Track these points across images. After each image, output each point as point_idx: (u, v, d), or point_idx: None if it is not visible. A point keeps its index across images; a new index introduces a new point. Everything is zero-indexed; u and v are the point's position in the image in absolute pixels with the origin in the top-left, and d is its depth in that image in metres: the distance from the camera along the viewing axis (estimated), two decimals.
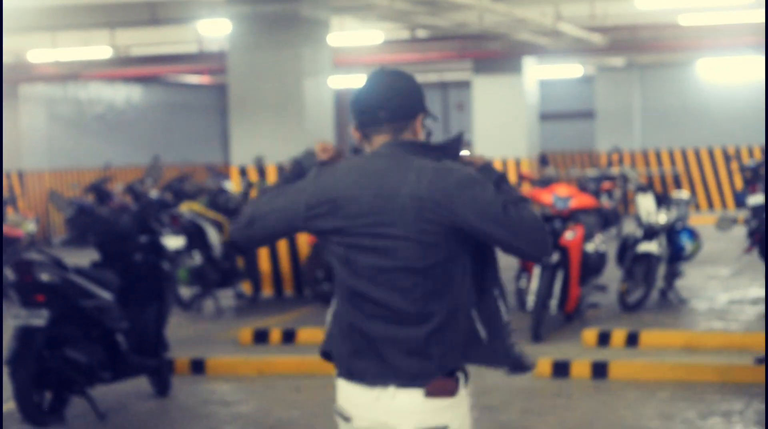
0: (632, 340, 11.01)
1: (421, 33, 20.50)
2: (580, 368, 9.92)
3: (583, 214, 12.24)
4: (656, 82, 29.19)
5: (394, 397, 3.94)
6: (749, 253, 8.69)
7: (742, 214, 16.72)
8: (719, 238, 18.49)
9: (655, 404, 8.86)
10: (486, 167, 4.09)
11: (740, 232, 16.29)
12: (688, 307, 13.29)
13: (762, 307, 11.33)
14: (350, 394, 4.05)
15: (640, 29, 20.24)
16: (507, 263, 15.71)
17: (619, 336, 11.10)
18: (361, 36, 20.41)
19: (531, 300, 11.70)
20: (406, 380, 3.93)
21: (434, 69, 29.69)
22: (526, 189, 13.04)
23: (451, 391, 3.95)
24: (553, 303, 11.79)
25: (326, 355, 4.16)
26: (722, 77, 28.92)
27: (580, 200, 12.19)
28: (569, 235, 11.86)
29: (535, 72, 22.56)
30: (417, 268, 3.93)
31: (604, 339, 11.15)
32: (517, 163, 21.68)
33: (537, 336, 11.53)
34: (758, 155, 27.89)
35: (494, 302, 4.12)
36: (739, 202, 26.40)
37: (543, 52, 21.40)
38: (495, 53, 21.43)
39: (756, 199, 15.72)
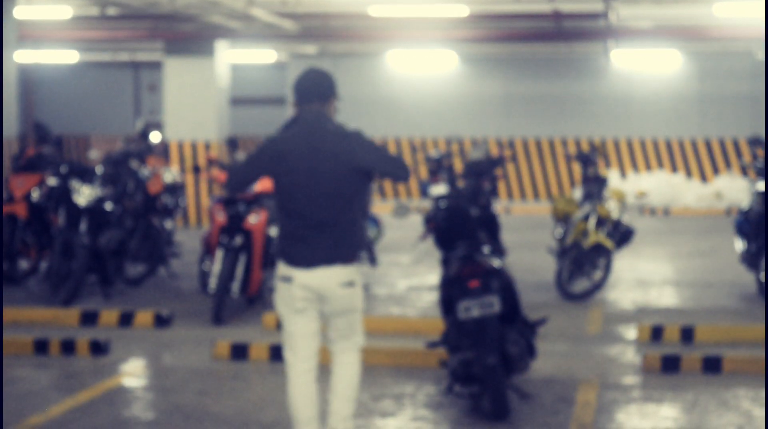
0: None
1: (112, 11, 20.10)
2: (259, 351, 9.97)
3: (267, 199, 12.29)
4: (348, 72, 29.61)
5: (322, 270, 6.60)
6: (424, 240, 8.92)
7: (425, 204, 17.14)
8: (401, 226, 18.94)
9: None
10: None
11: (419, 220, 16.73)
12: (370, 292, 13.56)
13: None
14: (291, 270, 6.64)
15: (331, 18, 20.44)
16: (194, 246, 15.50)
17: None
18: (49, 10, 19.84)
19: (213, 282, 11.68)
20: (329, 262, 6.61)
21: (126, 48, 29.22)
22: (215, 173, 12.97)
23: (354, 264, 6.69)
24: (236, 286, 11.80)
25: (280, 254, 6.71)
26: (411, 69, 29.62)
27: (264, 184, 12.22)
28: (253, 219, 11.89)
29: (228, 56, 22.46)
30: (334, 194, 6.61)
31: None
32: (207, 147, 21.57)
33: (218, 319, 11.52)
34: (442, 147, 28.70)
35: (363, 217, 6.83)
36: (424, 191, 27.12)
37: (235, 36, 21.34)
38: (187, 35, 21.22)
39: (438, 189, 16.14)
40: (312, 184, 6.60)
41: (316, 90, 6.74)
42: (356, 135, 6.72)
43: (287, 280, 6.67)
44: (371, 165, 6.64)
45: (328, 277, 6.61)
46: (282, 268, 6.70)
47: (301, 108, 6.78)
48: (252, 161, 6.77)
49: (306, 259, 6.61)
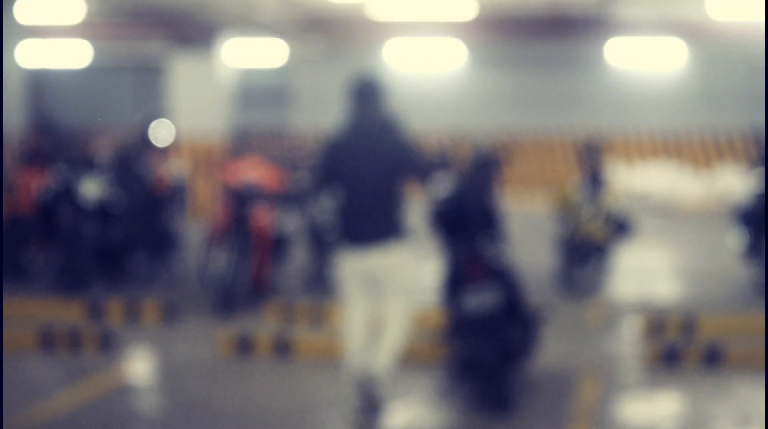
0: (317, 316, 11.19)
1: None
2: (264, 345, 10.00)
3: (274, 194, 12.33)
4: (349, 69, 29.57)
5: (376, 248, 7.70)
6: (426, 234, 8.98)
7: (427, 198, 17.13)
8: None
9: (335, 381, 9.02)
10: None
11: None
12: None
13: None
14: (348, 247, 7.77)
15: (333, 17, 20.45)
16: (200, 240, 15.45)
17: (303, 313, 11.27)
18: (54, 12, 19.86)
19: (219, 277, 11.70)
20: (380, 242, 7.71)
21: (129, 46, 29.20)
22: (220, 168, 13.00)
23: (403, 238, 7.76)
24: (241, 280, 11.82)
25: (339, 234, 7.87)
26: (413, 66, 29.57)
27: (272, 180, 12.27)
28: (258, 214, 11.92)
29: (233, 54, 22.48)
30: (383, 182, 7.72)
31: (289, 316, 11.29)
32: (212, 144, 21.61)
33: (224, 313, 11.55)
34: (446, 143, 28.66)
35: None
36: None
37: (241, 34, 21.37)
38: (191, 34, 21.24)
39: (440, 183, 16.15)
40: (366, 171, 7.74)
41: (367, 92, 7.91)
42: (403, 136, 7.86)
43: (344, 255, 7.84)
44: (410, 164, 7.77)
45: (381, 250, 7.73)
46: (341, 244, 7.86)
47: (356, 108, 7.90)
48: (326, 157, 7.95)
49: (361, 239, 7.73)
